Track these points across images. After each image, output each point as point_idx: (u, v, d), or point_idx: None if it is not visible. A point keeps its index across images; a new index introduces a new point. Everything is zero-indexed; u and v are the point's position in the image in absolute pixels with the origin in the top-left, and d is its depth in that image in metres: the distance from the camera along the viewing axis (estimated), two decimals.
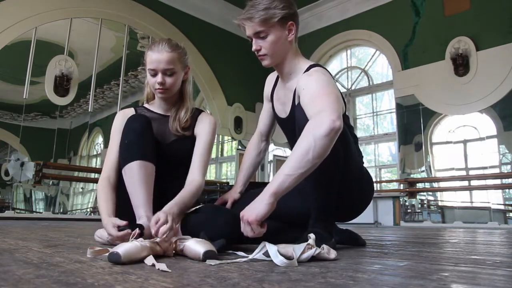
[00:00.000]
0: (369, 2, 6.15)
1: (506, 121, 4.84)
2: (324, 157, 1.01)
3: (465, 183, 5.16)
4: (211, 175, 7.05)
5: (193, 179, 1.29)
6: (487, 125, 5.02)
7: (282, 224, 1.40)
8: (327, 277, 0.69)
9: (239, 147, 6.75)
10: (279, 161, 6.89)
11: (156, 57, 1.29)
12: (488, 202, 4.93)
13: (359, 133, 6.46)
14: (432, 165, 5.48)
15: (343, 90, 6.62)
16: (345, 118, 1.32)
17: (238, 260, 0.89)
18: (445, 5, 5.41)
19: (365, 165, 1.46)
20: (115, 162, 1.32)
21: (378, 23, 6.03)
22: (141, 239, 0.93)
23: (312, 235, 0.96)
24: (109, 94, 5.52)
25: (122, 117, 1.38)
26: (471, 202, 5.16)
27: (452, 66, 5.21)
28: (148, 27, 5.74)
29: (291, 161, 1.00)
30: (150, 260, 0.82)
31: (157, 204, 1.20)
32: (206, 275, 0.69)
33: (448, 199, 5.36)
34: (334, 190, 1.21)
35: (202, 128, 1.40)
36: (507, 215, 4.93)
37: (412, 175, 5.54)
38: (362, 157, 1.44)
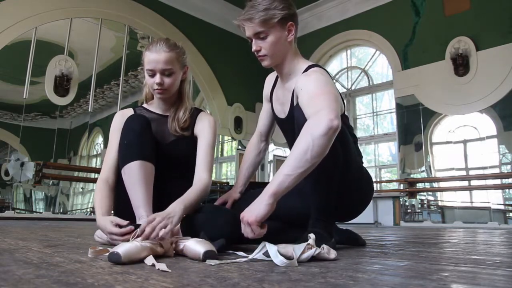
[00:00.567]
0: (369, 2, 6.15)
1: (506, 121, 4.84)
2: (323, 156, 1.01)
3: (465, 183, 5.16)
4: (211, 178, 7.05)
5: (200, 178, 1.29)
6: (487, 125, 5.02)
7: (282, 224, 1.40)
8: (327, 277, 0.69)
9: (239, 147, 6.75)
10: (279, 161, 6.89)
11: (154, 57, 1.29)
12: (488, 202, 4.93)
13: (359, 133, 6.46)
14: (432, 165, 5.48)
15: (343, 90, 6.62)
16: (345, 118, 1.32)
17: (238, 260, 0.89)
18: (445, 5, 5.41)
19: (365, 165, 1.46)
20: (114, 162, 1.31)
21: (378, 23, 6.03)
22: (139, 238, 0.93)
23: (312, 235, 0.96)
24: (109, 94, 5.53)
25: (121, 117, 1.38)
26: (471, 202, 5.16)
27: (452, 66, 5.22)
28: (148, 27, 5.74)
29: (290, 161, 1.00)
30: (150, 260, 0.82)
31: (157, 204, 1.20)
32: (206, 275, 0.69)
33: (448, 199, 5.36)
34: (333, 190, 1.21)
35: (203, 128, 1.40)
36: (507, 215, 4.93)
37: (412, 175, 5.54)
38: (362, 157, 1.44)
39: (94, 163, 5.63)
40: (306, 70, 1.29)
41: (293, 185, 1.00)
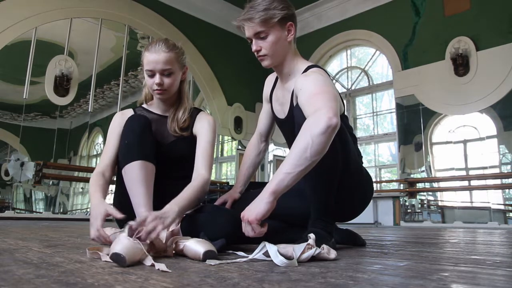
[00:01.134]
0: (369, 2, 6.15)
1: (506, 121, 4.84)
2: (322, 154, 1.01)
3: (465, 183, 5.15)
4: (211, 175, 7.05)
5: (198, 175, 1.28)
6: (487, 125, 5.02)
7: (282, 224, 1.40)
8: (327, 277, 0.69)
9: (239, 147, 6.75)
10: (279, 161, 6.89)
11: (153, 57, 1.28)
12: (488, 202, 4.93)
13: (359, 133, 6.46)
14: (432, 165, 5.48)
15: (343, 90, 6.62)
16: (344, 118, 1.33)
17: (238, 260, 0.89)
18: (445, 5, 5.41)
19: (365, 165, 1.46)
20: (111, 160, 1.30)
21: (378, 23, 6.03)
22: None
23: (312, 235, 0.96)
24: (109, 94, 5.53)
25: (120, 117, 1.38)
26: (471, 202, 5.16)
27: (452, 66, 5.21)
28: (148, 27, 5.75)
29: (290, 159, 1.00)
30: (149, 261, 0.82)
31: (157, 204, 1.20)
32: (206, 275, 0.69)
33: (448, 199, 5.36)
34: (333, 190, 1.21)
35: (201, 127, 1.39)
36: (507, 215, 4.93)
37: (412, 175, 5.54)
38: (362, 157, 1.45)
39: (94, 163, 5.63)
40: (305, 71, 1.29)
41: (293, 183, 0.99)
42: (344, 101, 1.57)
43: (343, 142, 1.20)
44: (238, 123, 6.77)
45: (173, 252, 0.99)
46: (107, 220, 1.09)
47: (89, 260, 0.87)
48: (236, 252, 1.05)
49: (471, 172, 5.18)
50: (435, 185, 5.47)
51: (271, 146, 6.83)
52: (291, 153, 1.00)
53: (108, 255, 0.85)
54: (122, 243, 0.83)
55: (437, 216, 5.36)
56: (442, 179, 5.35)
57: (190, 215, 1.22)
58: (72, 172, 5.27)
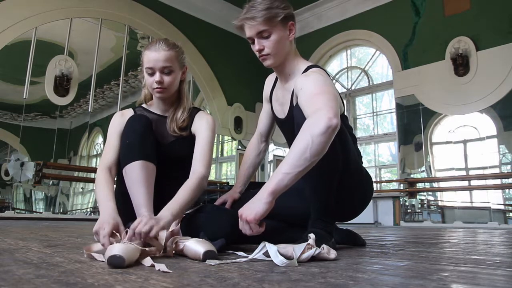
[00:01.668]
0: (369, 2, 6.15)
1: (506, 121, 4.84)
2: (322, 155, 1.00)
3: (465, 183, 5.15)
4: (211, 175, 7.05)
5: (194, 171, 1.26)
6: (487, 125, 5.02)
7: (282, 224, 1.40)
8: (327, 277, 0.69)
9: (239, 147, 6.75)
10: (279, 161, 6.89)
11: (154, 55, 1.28)
12: (488, 202, 4.93)
13: (359, 133, 6.46)
14: (432, 165, 5.48)
15: (343, 90, 6.62)
16: (344, 118, 1.33)
17: (238, 260, 0.89)
18: (445, 5, 5.41)
19: (365, 165, 1.46)
20: (116, 158, 1.29)
21: (378, 23, 6.03)
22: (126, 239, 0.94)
23: (312, 235, 0.96)
24: (109, 94, 5.52)
25: (120, 117, 1.37)
26: (471, 202, 5.16)
27: (452, 66, 5.21)
28: (148, 27, 5.75)
29: (289, 159, 1.00)
30: (148, 261, 0.82)
31: (157, 205, 1.20)
32: (206, 275, 0.69)
33: (448, 199, 5.36)
34: (333, 190, 1.22)
35: (200, 126, 1.39)
36: (507, 215, 4.93)
37: (412, 175, 5.54)
38: (361, 157, 1.45)
39: (94, 163, 5.63)
40: (305, 71, 1.29)
41: (292, 183, 0.99)
42: (344, 101, 1.57)
43: (343, 142, 1.20)
44: (238, 123, 6.77)
45: (173, 252, 0.99)
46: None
47: (89, 260, 0.87)
48: (236, 252, 1.05)
49: (471, 172, 5.18)
50: (435, 185, 5.47)
51: (271, 146, 6.83)
52: (291, 153, 1.00)
53: (101, 254, 0.85)
54: (116, 246, 0.83)
55: (437, 216, 5.36)
56: (442, 179, 5.35)
57: (190, 215, 1.22)
58: (72, 172, 5.27)
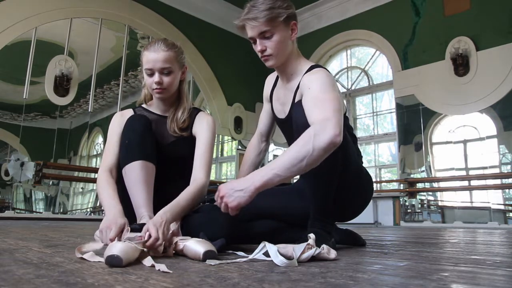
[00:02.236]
0: (369, 2, 6.15)
1: (506, 121, 4.84)
2: (315, 166, 1.03)
3: (465, 183, 5.15)
4: (211, 175, 7.04)
5: (195, 179, 1.27)
6: (487, 125, 5.02)
7: (282, 224, 1.40)
8: (327, 277, 0.69)
9: (239, 147, 6.75)
10: None
11: (153, 56, 1.28)
12: (488, 202, 4.93)
13: (359, 133, 6.46)
14: (432, 165, 5.48)
15: (343, 90, 6.62)
16: (345, 119, 1.32)
17: (238, 260, 0.89)
18: (445, 5, 5.41)
19: (365, 165, 1.46)
20: (116, 159, 1.29)
21: (378, 23, 6.03)
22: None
23: (312, 235, 0.96)
24: (109, 94, 5.52)
25: (120, 118, 1.37)
26: (471, 202, 5.16)
27: (452, 66, 5.21)
28: (148, 27, 5.74)
29: (285, 162, 1.01)
30: (149, 261, 0.82)
31: (156, 205, 1.19)
32: (206, 275, 0.69)
33: (448, 199, 5.36)
34: (333, 190, 1.21)
35: (201, 128, 1.39)
36: (507, 215, 4.93)
37: (412, 175, 5.54)
38: (361, 157, 1.44)
39: (94, 163, 5.63)
40: (308, 70, 1.28)
41: (279, 183, 1.03)
42: (344, 101, 1.56)
43: (342, 142, 1.20)
44: (238, 123, 6.77)
45: (173, 252, 0.99)
46: (102, 220, 1.10)
47: (93, 261, 0.87)
48: (236, 252, 1.05)
49: (471, 172, 5.18)
50: (435, 185, 5.47)
51: (271, 146, 6.82)
52: (288, 156, 1.01)
53: (96, 255, 0.86)
54: (116, 245, 0.83)
55: (437, 216, 5.36)
56: (442, 179, 5.35)
57: (190, 215, 1.22)
58: (72, 172, 5.27)
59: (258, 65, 1.37)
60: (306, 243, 0.92)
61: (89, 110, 5.14)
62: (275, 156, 6.93)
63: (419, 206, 5.44)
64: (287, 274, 0.72)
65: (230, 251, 1.07)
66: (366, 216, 5.18)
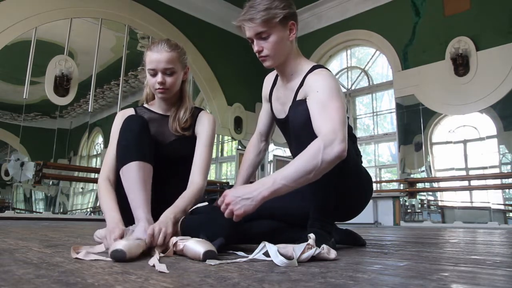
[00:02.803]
0: (369, 2, 6.15)
1: (506, 121, 4.84)
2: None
3: (465, 183, 5.15)
4: (211, 175, 7.05)
5: (192, 182, 1.29)
6: (487, 125, 5.02)
7: (282, 224, 1.40)
8: (327, 277, 0.69)
9: (239, 147, 6.75)
10: (279, 161, 6.89)
11: (156, 57, 1.29)
12: (488, 202, 4.93)
13: (359, 133, 6.46)
14: (432, 165, 5.48)
15: (343, 90, 6.60)
16: None
17: (238, 260, 0.89)
18: (445, 5, 5.41)
19: (365, 165, 1.45)
20: (114, 163, 1.30)
21: (378, 23, 6.03)
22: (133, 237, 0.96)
23: (312, 235, 0.96)
24: (109, 94, 5.52)
25: (121, 117, 1.37)
26: (471, 202, 5.16)
27: (452, 66, 5.21)
28: (148, 27, 5.75)
29: (293, 173, 1.02)
30: (153, 261, 0.83)
31: (156, 205, 1.19)
32: (206, 275, 0.69)
33: (448, 199, 5.36)
34: (332, 190, 1.22)
35: (202, 127, 1.40)
36: (507, 215, 4.93)
37: (412, 175, 5.54)
38: (361, 157, 1.44)
39: (94, 163, 5.63)
40: (310, 70, 1.28)
41: (285, 193, 1.05)
42: (345, 101, 1.56)
43: None
44: (238, 123, 6.77)
45: (173, 252, 0.99)
46: (102, 220, 1.11)
47: (89, 260, 0.87)
48: (236, 252, 1.05)
49: (471, 172, 5.18)
50: (435, 185, 5.47)
51: (271, 146, 6.82)
52: (297, 167, 1.03)
53: (92, 253, 0.89)
54: (120, 241, 0.87)
55: (437, 216, 5.36)
56: (442, 179, 5.35)
57: (190, 216, 1.22)
58: (72, 172, 5.27)
59: (258, 65, 1.37)
60: (306, 243, 0.92)
61: (89, 110, 5.14)
62: (275, 156, 6.93)
63: (419, 206, 5.44)
64: (287, 274, 0.72)
65: (230, 251, 1.07)
66: (366, 216, 5.18)
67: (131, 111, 1.43)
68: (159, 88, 1.32)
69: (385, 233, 2.77)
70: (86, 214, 5.26)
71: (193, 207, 1.23)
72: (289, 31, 1.28)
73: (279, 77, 1.41)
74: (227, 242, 1.09)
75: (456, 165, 5.28)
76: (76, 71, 5.00)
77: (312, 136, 1.11)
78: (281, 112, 1.41)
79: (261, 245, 0.92)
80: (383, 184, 6.21)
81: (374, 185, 5.28)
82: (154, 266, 0.78)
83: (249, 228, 1.32)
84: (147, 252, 0.97)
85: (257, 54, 1.27)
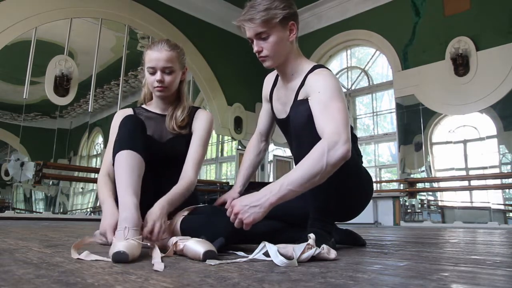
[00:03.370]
0: (369, 2, 6.15)
1: (506, 121, 4.84)
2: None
3: (465, 183, 5.15)
4: (211, 175, 7.05)
5: (184, 176, 1.30)
6: (487, 125, 5.02)
7: (282, 224, 1.40)
8: (327, 277, 0.69)
9: (239, 147, 6.75)
10: (279, 161, 6.89)
11: (156, 55, 1.31)
12: (488, 202, 4.93)
13: (359, 133, 6.46)
14: (432, 165, 5.48)
15: (343, 90, 6.59)
16: None
17: (238, 260, 0.89)
18: (445, 5, 5.41)
19: (365, 165, 1.45)
20: (112, 163, 1.30)
21: (378, 23, 6.03)
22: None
23: (312, 235, 0.96)
24: (109, 94, 5.53)
25: (121, 117, 1.38)
26: (471, 202, 5.16)
27: (452, 66, 5.22)
28: (148, 27, 5.75)
29: (299, 178, 1.02)
30: (157, 257, 0.84)
31: (154, 202, 1.19)
32: (206, 275, 0.69)
33: (448, 199, 5.36)
34: (332, 190, 1.21)
35: (198, 124, 1.42)
36: (507, 215, 4.93)
37: (412, 175, 5.54)
38: (361, 156, 1.44)
39: (94, 163, 5.64)
40: (311, 70, 1.28)
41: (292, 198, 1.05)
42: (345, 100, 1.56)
43: None
44: (238, 123, 6.77)
45: (173, 252, 0.99)
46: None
47: (89, 260, 0.87)
48: (236, 252, 1.05)
49: (471, 172, 5.18)
50: (435, 185, 5.47)
51: (271, 146, 6.82)
52: (303, 172, 1.03)
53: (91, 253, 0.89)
54: (120, 243, 0.87)
55: (437, 216, 5.36)
56: (442, 179, 5.35)
57: (190, 217, 1.22)
58: (72, 172, 5.27)
59: (258, 65, 1.37)
60: (306, 243, 0.92)
61: (89, 110, 5.14)
62: (275, 156, 6.93)
63: (419, 206, 5.44)
64: (287, 274, 0.72)
65: (230, 251, 1.07)
66: (366, 216, 5.18)
67: (129, 111, 1.45)
68: (157, 87, 1.34)
69: (385, 233, 2.77)
70: (86, 214, 5.26)
71: (194, 206, 1.24)
72: (289, 31, 1.27)
73: (279, 77, 1.41)
74: (227, 242, 1.09)
75: (456, 165, 5.28)
76: (76, 71, 5.00)
77: (313, 136, 1.11)
78: (282, 112, 1.41)
79: (261, 245, 0.92)
80: (383, 184, 6.21)
81: (374, 185, 5.24)
82: (154, 266, 0.78)
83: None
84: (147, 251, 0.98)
85: (256, 54, 1.28)
